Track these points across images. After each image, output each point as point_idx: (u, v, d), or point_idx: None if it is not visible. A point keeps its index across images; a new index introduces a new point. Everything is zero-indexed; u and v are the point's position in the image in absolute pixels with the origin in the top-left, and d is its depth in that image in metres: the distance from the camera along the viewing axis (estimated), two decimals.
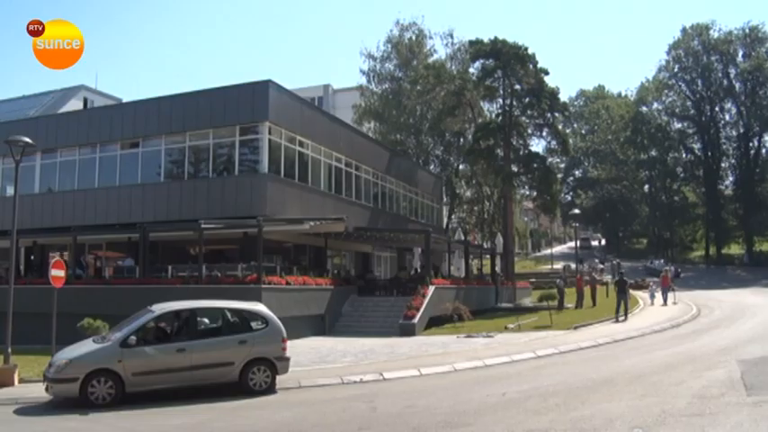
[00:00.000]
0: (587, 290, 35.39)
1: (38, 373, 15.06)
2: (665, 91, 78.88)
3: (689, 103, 77.75)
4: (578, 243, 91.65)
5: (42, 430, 11.31)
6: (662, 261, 46.06)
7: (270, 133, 27.46)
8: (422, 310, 26.76)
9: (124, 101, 44.31)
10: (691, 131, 79.43)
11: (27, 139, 17.62)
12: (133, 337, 13.10)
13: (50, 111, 45.18)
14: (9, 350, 16.08)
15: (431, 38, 56.07)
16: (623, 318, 27.78)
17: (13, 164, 17.92)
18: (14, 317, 16.80)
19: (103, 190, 30.46)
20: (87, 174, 31.21)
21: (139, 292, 23.57)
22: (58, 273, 17.49)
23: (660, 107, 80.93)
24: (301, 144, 29.94)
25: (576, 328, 24.63)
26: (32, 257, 33.09)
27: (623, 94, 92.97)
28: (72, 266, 26.41)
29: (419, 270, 35.54)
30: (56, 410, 12.56)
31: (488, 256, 46.04)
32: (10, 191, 31.62)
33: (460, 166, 56.23)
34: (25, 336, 19.75)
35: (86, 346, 13.60)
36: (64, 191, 31.96)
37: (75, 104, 48.78)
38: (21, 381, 15.64)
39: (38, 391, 13.57)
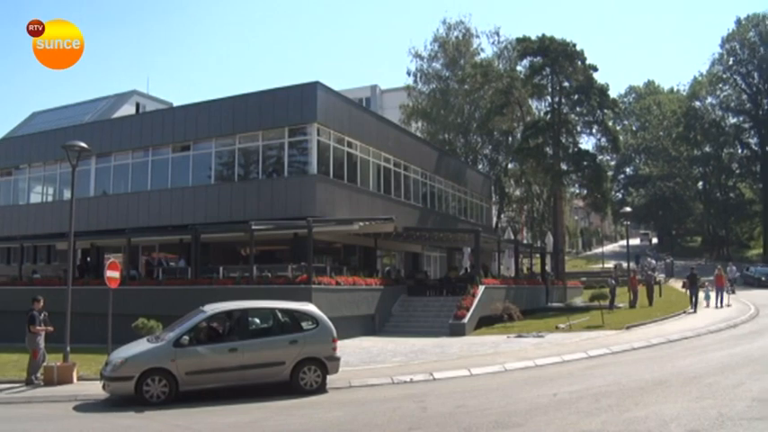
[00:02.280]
0: (642, 289, 34.65)
1: (95, 372, 15.41)
2: (720, 85, 76.65)
3: (744, 97, 75.45)
4: (639, 239, 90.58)
5: (99, 427, 11.52)
6: (733, 268, 44.03)
7: (318, 134, 27.60)
8: (472, 309, 26.63)
9: (175, 105, 45.00)
10: (747, 126, 77.04)
11: (83, 144, 18.07)
12: (186, 337, 13.28)
13: (104, 116, 46.31)
14: (68, 349, 16.52)
15: (477, 36, 55.89)
16: (692, 310, 29.29)
17: (69, 168, 18.39)
18: (72, 317, 17.24)
19: (156, 192, 31.04)
20: (140, 177, 31.85)
21: (191, 292, 23.98)
22: (113, 274, 17.83)
23: (714, 101, 78.71)
24: (350, 145, 30.03)
25: (628, 328, 24.13)
26: (89, 259, 33.84)
27: (675, 89, 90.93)
28: (127, 268, 26.93)
29: (469, 270, 35.34)
30: (112, 408, 12.83)
31: (538, 256, 45.59)
32: (67, 195, 32.46)
33: (509, 165, 55.81)
34: (82, 335, 20.30)
35: (141, 346, 13.85)
36: (118, 194, 32.62)
37: (127, 109, 49.89)
38: (79, 378, 16.02)
39: (95, 389, 13.88)
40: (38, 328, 15.92)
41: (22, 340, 16.32)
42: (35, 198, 37.02)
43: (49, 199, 36.32)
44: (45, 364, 16.02)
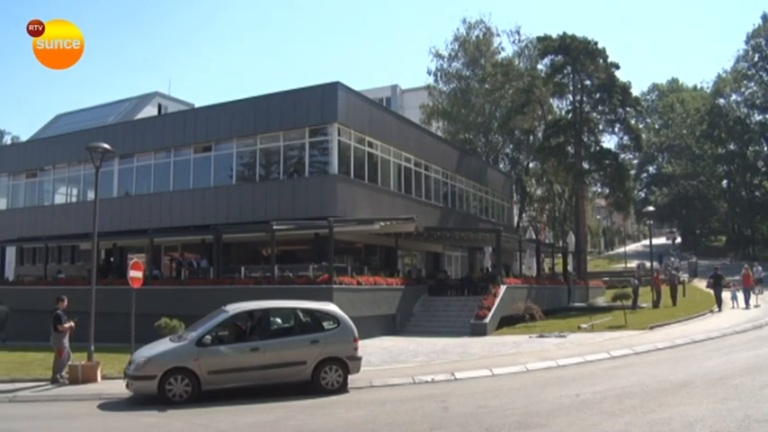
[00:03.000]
0: (666, 289, 34.33)
1: (119, 371, 15.54)
2: (745, 82, 75.74)
3: None
4: (666, 238, 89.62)
5: (123, 425, 11.65)
6: (759, 268, 43.38)
7: (339, 134, 27.64)
8: (493, 309, 26.54)
9: (196, 106, 45.29)
10: None
11: (106, 146, 18.25)
12: (208, 337, 13.36)
13: (127, 117, 46.72)
14: (92, 348, 16.68)
15: (498, 35, 55.54)
16: (718, 309, 29.49)
17: (93, 169, 18.56)
18: (96, 316, 17.41)
19: (178, 193, 31.26)
20: (162, 177, 32.09)
21: (213, 292, 24.15)
22: (136, 274, 17.97)
23: (739, 99, 77.77)
24: (370, 144, 30.05)
25: (651, 328, 23.93)
26: (112, 259, 34.17)
27: (699, 86, 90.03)
28: (150, 268, 27.15)
29: (490, 269, 35.24)
30: (136, 406, 12.94)
31: (560, 255, 45.34)
32: (91, 195, 32.75)
33: (531, 165, 55.56)
34: (106, 334, 20.50)
35: (164, 345, 13.96)
36: (140, 194, 32.92)
37: (150, 111, 50.29)
38: (103, 377, 16.19)
39: (119, 388, 13.99)
40: (63, 326, 16.09)
41: (48, 339, 16.51)
42: (59, 199, 37.44)
43: (73, 200, 36.71)
44: (70, 362, 16.19)
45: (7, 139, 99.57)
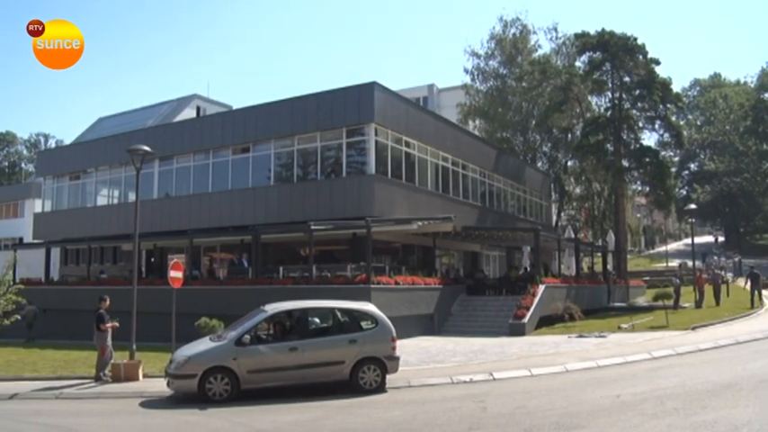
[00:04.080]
0: (708, 288, 33.71)
1: (160, 369, 15.75)
2: None
3: None
4: (712, 236, 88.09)
5: (164, 423, 11.80)
6: None
7: (376, 134, 27.65)
8: (532, 309, 26.32)
9: (234, 107, 45.72)
10: None
11: (146, 148, 18.49)
12: (247, 336, 13.47)
13: (166, 120, 47.45)
14: (134, 347, 16.93)
15: (535, 33, 55.11)
16: (757, 308, 29.02)
17: (134, 171, 18.84)
18: (137, 316, 17.64)
19: (217, 194, 31.55)
20: (201, 179, 32.44)
21: (252, 292, 24.31)
22: (176, 274, 18.21)
23: None
24: (407, 144, 30.02)
25: (694, 328, 23.50)
26: (152, 260, 34.66)
27: (742, 81, 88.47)
28: (190, 268, 27.47)
29: (529, 269, 34.97)
30: (177, 404, 13.11)
31: (599, 254, 44.82)
32: (132, 197, 33.27)
33: (569, 163, 55.00)
34: (147, 333, 20.76)
35: (203, 345, 14.11)
36: (180, 196, 33.31)
37: (188, 113, 51.01)
38: (145, 376, 16.42)
39: (160, 386, 14.18)
40: (106, 326, 16.36)
41: (91, 338, 16.80)
42: (101, 201, 38.10)
43: (115, 201, 37.33)
44: (112, 361, 16.46)
45: (51, 143, 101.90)
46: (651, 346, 18.97)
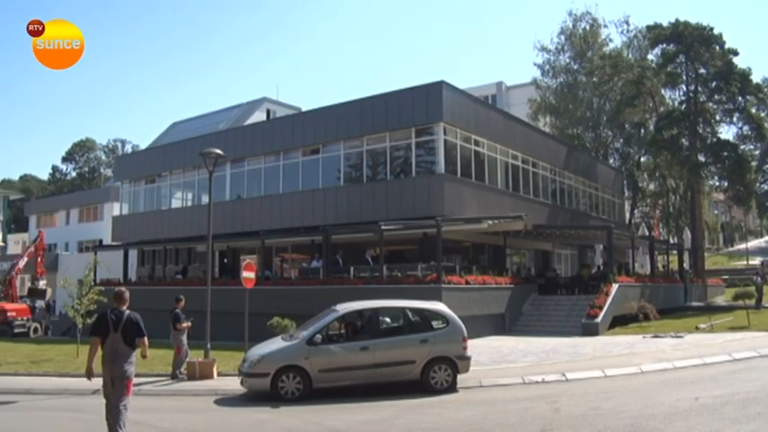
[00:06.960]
0: None
1: (233, 368, 16.04)
2: None
3: None
4: None
5: (239, 420, 11.97)
6: None
7: (445, 134, 27.51)
8: (605, 308, 25.77)
9: (303, 109, 46.20)
10: None
11: (218, 151, 18.85)
12: (319, 336, 13.55)
13: (237, 123, 48.28)
14: (209, 346, 17.27)
15: (605, 26, 53.97)
16: None
17: (207, 174, 19.22)
18: (212, 315, 18.00)
19: (287, 195, 31.95)
20: (272, 181, 32.91)
21: (323, 292, 24.52)
22: (248, 275, 18.49)
23: None
24: (476, 143, 29.78)
25: None
26: (226, 260, 35.32)
27: None
28: (262, 268, 27.88)
29: (601, 267, 34.28)
30: (250, 402, 13.29)
31: (675, 252, 43.61)
32: (205, 199, 34.03)
33: (642, 159, 53.59)
34: (221, 333, 21.17)
35: (276, 344, 14.27)
36: (251, 197, 33.86)
37: (259, 116, 51.87)
38: (219, 374, 16.74)
39: (234, 384, 14.45)
40: (182, 325, 16.74)
41: (167, 337, 17.20)
42: (176, 203, 39.10)
43: (189, 204, 38.27)
44: (188, 359, 16.87)
45: (128, 148, 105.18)
46: (731, 348, 18.25)
